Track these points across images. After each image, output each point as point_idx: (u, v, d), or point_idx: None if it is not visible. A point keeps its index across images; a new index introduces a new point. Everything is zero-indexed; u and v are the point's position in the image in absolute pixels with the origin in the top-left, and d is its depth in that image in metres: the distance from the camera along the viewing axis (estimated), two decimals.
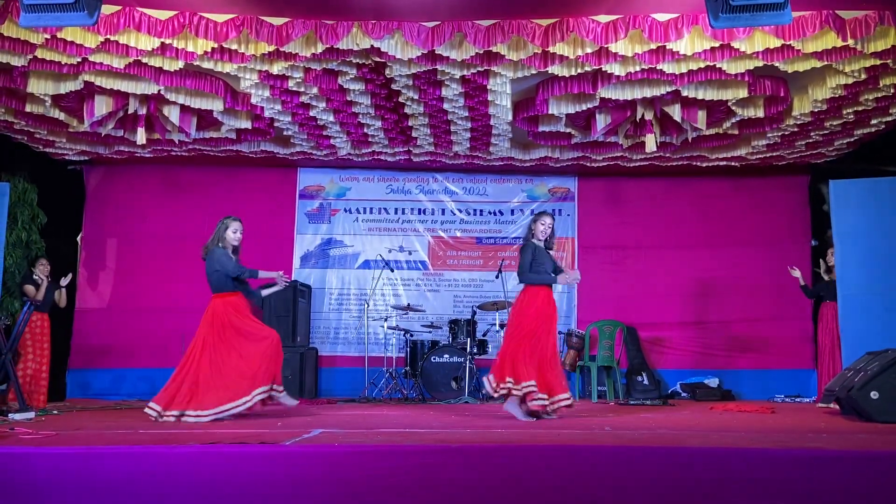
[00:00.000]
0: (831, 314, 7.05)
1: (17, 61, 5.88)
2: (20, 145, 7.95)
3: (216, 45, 5.73)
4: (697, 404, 7.51)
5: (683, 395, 8.47)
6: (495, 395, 5.29)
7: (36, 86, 6.36)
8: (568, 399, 5.26)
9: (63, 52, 5.79)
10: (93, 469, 3.04)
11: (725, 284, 8.93)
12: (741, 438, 3.78)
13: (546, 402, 5.13)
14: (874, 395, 4.88)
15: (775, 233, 8.99)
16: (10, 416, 5.19)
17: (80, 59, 5.91)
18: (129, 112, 6.90)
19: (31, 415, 5.33)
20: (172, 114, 6.96)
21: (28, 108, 6.85)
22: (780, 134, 7.49)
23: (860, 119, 7.04)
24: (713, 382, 8.42)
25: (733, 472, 2.97)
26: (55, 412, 6.03)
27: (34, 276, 7.05)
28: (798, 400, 8.07)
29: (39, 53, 5.81)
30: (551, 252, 5.57)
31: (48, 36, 5.56)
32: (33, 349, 6.93)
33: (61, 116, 7.15)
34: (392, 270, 8.82)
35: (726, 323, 8.87)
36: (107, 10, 5.32)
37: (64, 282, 7.23)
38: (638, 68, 6.01)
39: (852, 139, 7.65)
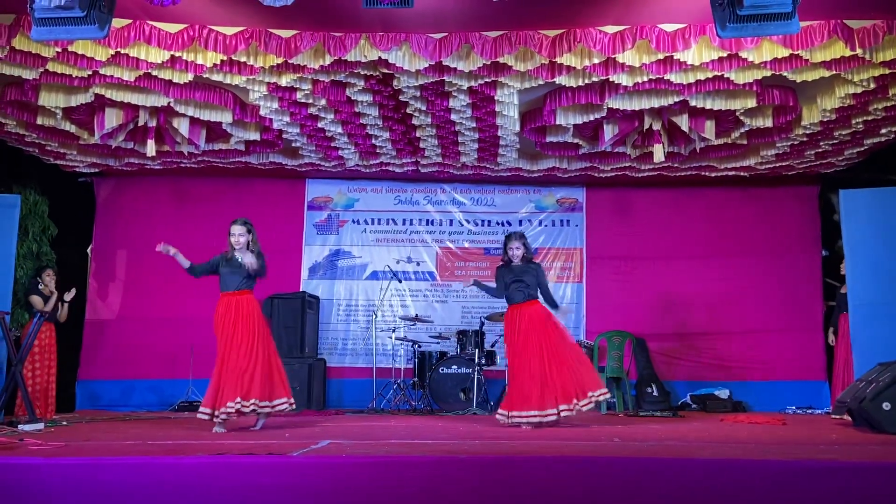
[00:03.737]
0: (848, 325, 6.98)
1: (29, 74, 5.94)
2: (31, 158, 8.01)
3: (225, 58, 5.77)
4: (708, 416, 7.46)
5: (693, 406, 8.41)
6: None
7: (47, 99, 6.42)
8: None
9: (74, 66, 5.83)
10: (102, 480, 3.04)
11: (735, 295, 8.88)
12: (752, 450, 3.75)
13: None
14: (886, 406, 4.84)
15: (785, 243, 8.94)
16: (20, 426, 5.19)
17: (90, 72, 5.96)
18: (139, 124, 6.95)
19: (41, 426, 5.34)
20: (182, 126, 7.01)
21: (39, 121, 6.91)
22: (789, 144, 7.47)
23: (869, 128, 7.02)
24: (723, 394, 8.36)
25: (745, 484, 2.94)
26: (64, 423, 6.04)
27: (39, 287, 7.02)
28: (809, 411, 8.00)
29: (51, 66, 5.86)
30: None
31: (59, 49, 5.61)
32: (40, 359, 6.93)
33: (72, 129, 7.21)
34: (400, 281, 8.82)
35: (736, 334, 8.81)
36: (117, 23, 5.37)
37: (68, 297, 7.10)
38: (645, 78, 6.01)
39: (862, 148, 7.62)
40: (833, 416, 6.48)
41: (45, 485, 3.03)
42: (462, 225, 9.33)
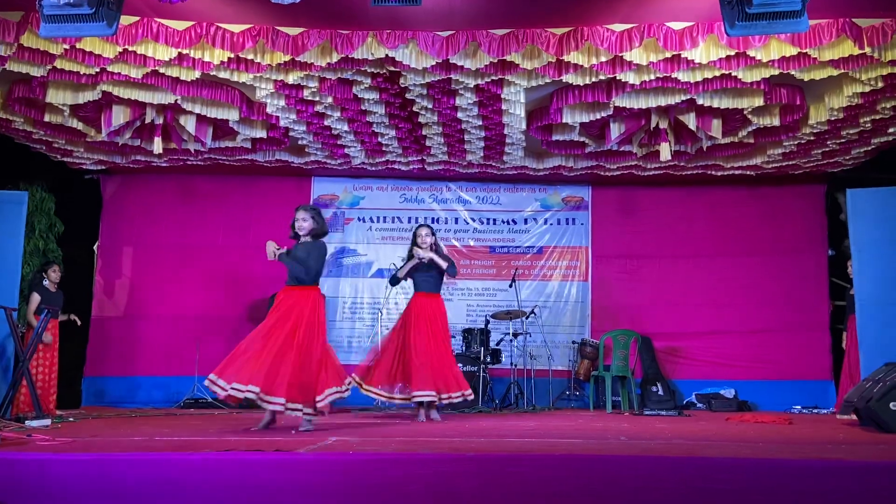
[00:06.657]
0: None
1: (37, 71, 5.96)
2: (38, 155, 8.04)
3: (232, 55, 5.78)
4: (713, 415, 7.45)
5: (699, 405, 8.40)
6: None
7: (55, 96, 6.43)
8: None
9: (82, 63, 5.85)
10: (109, 476, 3.05)
11: (741, 294, 8.86)
12: (758, 449, 3.74)
13: None
14: (893, 405, 4.84)
15: (791, 242, 8.92)
16: (27, 423, 5.22)
17: (98, 70, 5.98)
18: (146, 122, 6.96)
19: (48, 422, 5.36)
20: (189, 123, 7.02)
21: (47, 118, 6.93)
22: (796, 142, 7.44)
23: (877, 128, 6.99)
24: (729, 393, 8.35)
25: (750, 483, 2.94)
26: (71, 419, 6.07)
27: (45, 283, 7.01)
28: (815, 411, 7.98)
29: (59, 64, 5.88)
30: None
31: (67, 46, 5.62)
32: (44, 355, 6.92)
33: (79, 126, 7.23)
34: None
35: (742, 333, 8.79)
36: (125, 20, 5.37)
37: (62, 317, 7.18)
38: (652, 77, 6.00)
39: (869, 148, 7.60)
40: (839, 416, 6.47)
41: (53, 480, 3.05)
42: (467, 223, 9.33)
